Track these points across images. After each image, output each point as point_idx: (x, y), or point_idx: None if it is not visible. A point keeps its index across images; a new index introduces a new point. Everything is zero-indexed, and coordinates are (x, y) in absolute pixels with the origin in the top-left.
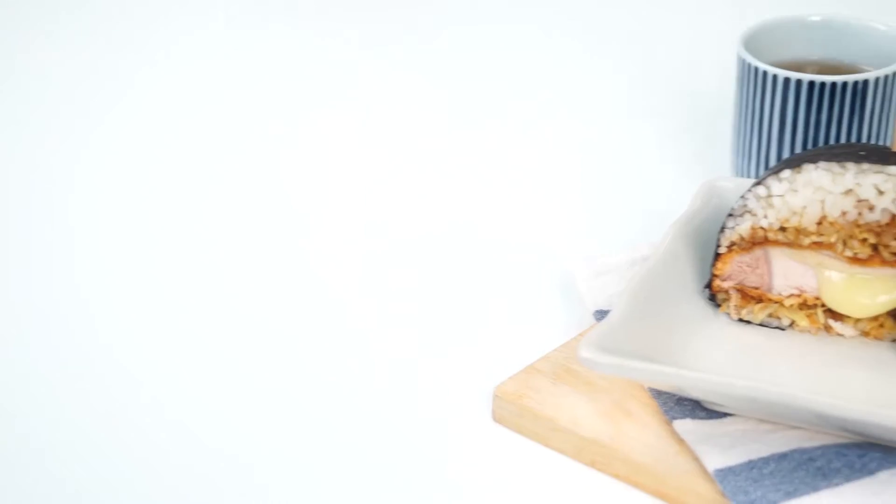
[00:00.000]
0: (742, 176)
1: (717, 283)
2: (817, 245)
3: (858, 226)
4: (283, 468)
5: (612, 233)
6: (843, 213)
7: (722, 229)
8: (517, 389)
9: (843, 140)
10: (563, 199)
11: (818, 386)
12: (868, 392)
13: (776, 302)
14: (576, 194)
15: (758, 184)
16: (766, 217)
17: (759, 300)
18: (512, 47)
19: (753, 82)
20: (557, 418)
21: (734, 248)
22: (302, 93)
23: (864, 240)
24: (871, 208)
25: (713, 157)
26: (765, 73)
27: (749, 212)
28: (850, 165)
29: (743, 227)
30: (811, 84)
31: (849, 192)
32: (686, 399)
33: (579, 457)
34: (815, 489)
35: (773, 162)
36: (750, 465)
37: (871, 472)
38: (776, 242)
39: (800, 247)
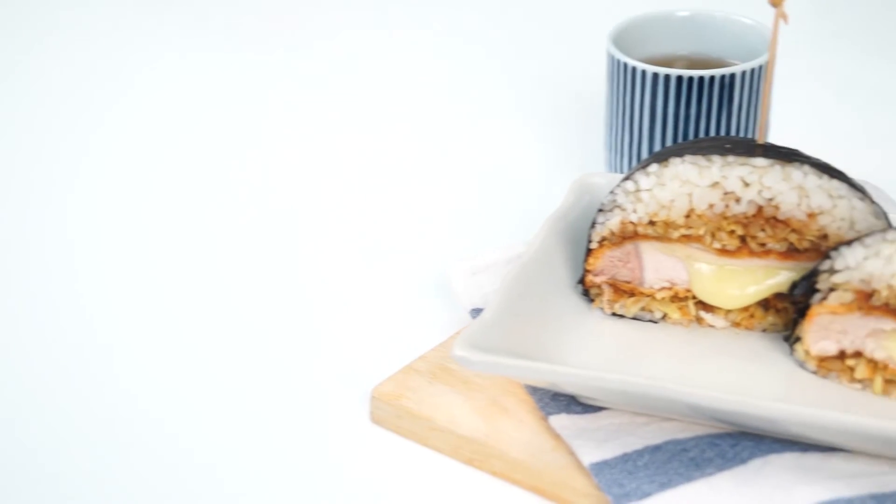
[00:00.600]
0: (615, 171)
1: (589, 278)
2: (686, 238)
3: (726, 218)
4: (158, 469)
5: (488, 231)
6: (711, 206)
7: (592, 225)
8: (394, 390)
9: (712, 133)
10: (439, 198)
11: (691, 377)
12: (739, 382)
13: (648, 295)
14: (451, 193)
15: (626, 179)
16: (635, 212)
17: (632, 294)
18: (384, 45)
19: (623, 78)
20: (434, 418)
21: (605, 243)
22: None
23: (732, 231)
24: (738, 200)
25: (587, 154)
26: (634, 69)
27: (618, 207)
28: (716, 158)
29: (613, 223)
30: (679, 79)
31: (715, 184)
32: (561, 395)
33: (457, 455)
34: (689, 479)
35: (644, 157)
36: (625, 458)
37: (743, 461)
38: (646, 236)
39: (669, 240)
